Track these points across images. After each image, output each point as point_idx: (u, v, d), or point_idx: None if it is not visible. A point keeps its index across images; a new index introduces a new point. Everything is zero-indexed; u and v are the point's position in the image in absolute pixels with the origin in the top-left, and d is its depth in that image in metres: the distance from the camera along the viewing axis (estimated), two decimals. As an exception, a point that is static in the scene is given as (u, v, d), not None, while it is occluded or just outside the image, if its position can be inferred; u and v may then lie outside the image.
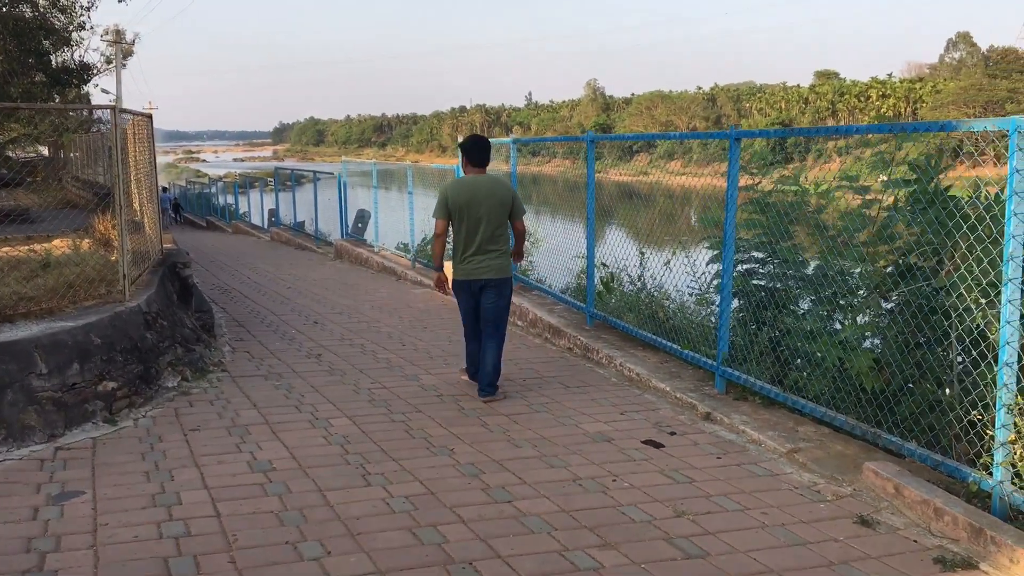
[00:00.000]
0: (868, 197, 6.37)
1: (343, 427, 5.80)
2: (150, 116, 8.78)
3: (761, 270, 7.15)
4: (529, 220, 11.58)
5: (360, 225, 20.08)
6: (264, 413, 6.10)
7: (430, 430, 5.76)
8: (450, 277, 6.83)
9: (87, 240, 9.41)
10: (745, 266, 7.08)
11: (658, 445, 5.47)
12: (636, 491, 4.67)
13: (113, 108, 6.44)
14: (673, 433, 5.74)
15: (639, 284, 8.31)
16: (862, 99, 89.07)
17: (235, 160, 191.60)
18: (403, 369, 7.69)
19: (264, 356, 8.20)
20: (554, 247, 10.52)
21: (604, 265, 8.68)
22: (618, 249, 8.62)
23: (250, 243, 25.94)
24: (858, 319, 5.67)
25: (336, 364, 7.87)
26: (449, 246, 7.17)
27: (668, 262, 7.47)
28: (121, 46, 50.26)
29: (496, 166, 13.71)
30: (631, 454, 5.30)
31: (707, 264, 7.85)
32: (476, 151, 6.71)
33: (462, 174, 6.91)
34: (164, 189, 51.60)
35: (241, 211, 37.21)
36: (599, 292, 8.74)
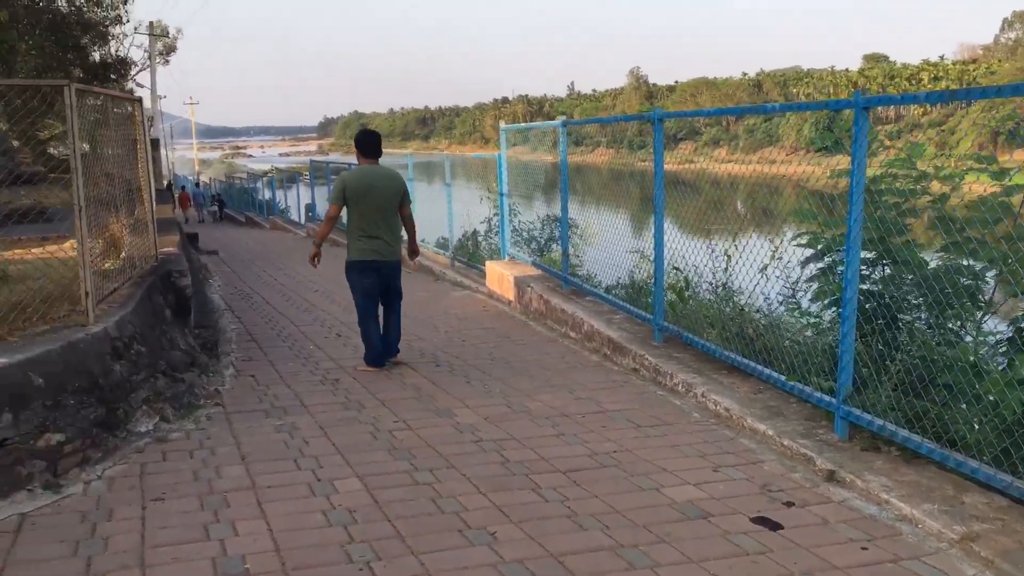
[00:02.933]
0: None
1: (351, 494, 4.42)
2: (139, 99, 7.50)
3: (865, 271, 5.71)
4: (577, 211, 10.18)
5: (398, 220, 18.81)
6: (253, 471, 4.75)
7: (465, 499, 4.36)
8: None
9: (99, 240, 8.18)
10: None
11: (775, 526, 4.01)
12: (759, 613, 3.22)
13: (67, 85, 5.13)
14: (790, 503, 4.27)
15: (721, 291, 6.82)
16: (913, 82, 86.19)
17: (280, 155, 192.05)
18: (434, 400, 6.31)
19: (271, 382, 6.88)
20: (608, 242, 9.04)
21: (676, 269, 7.20)
22: (690, 247, 7.15)
23: (286, 240, 24.82)
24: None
25: (354, 393, 6.52)
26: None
27: (764, 268, 5.97)
28: (163, 40, 49.82)
29: (539, 156, 12.31)
30: (740, 541, 3.84)
31: (803, 266, 6.40)
32: (368, 144, 7.23)
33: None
34: (197, 184, 50.93)
35: (282, 206, 36.16)
36: (670, 301, 7.27)
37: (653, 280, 7.33)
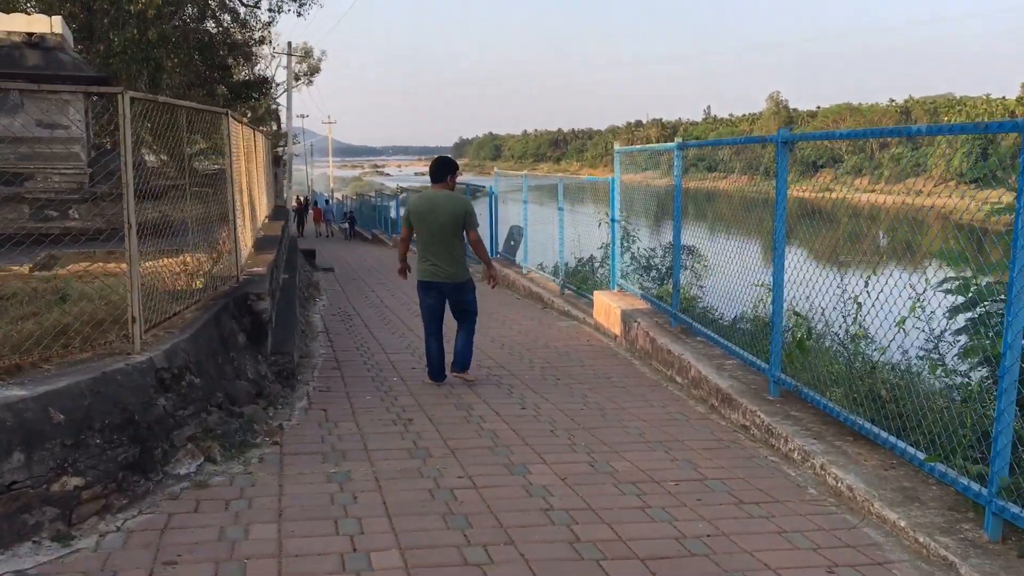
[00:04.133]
0: None
1: (386, 573, 3.78)
2: (226, 112, 7.18)
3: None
4: (701, 240, 9.28)
5: (512, 243, 18.29)
6: (285, 531, 4.18)
7: (516, 589, 3.66)
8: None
9: (210, 255, 7.88)
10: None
11: (902, 664, 3.12)
12: None
13: (121, 93, 4.74)
14: (924, 630, 3.37)
15: (850, 344, 5.86)
16: (1082, 112, 79.85)
17: (416, 174, 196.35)
18: (511, 451, 5.62)
19: (341, 418, 6.36)
20: (726, 277, 8.12)
21: (797, 314, 6.28)
22: (816, 287, 6.19)
23: (404, 259, 24.71)
24: None
25: (425, 437, 5.91)
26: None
27: (902, 321, 5.00)
28: (308, 62, 51.67)
29: (649, 179, 11.48)
30: None
31: (950, 317, 5.41)
32: (432, 170, 7.52)
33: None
34: (327, 201, 52.13)
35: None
36: (788, 350, 6.35)
37: (770, 325, 6.43)
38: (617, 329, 9.73)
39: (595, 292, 10.97)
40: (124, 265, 7.70)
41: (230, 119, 7.27)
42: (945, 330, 5.49)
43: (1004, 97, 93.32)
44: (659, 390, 7.51)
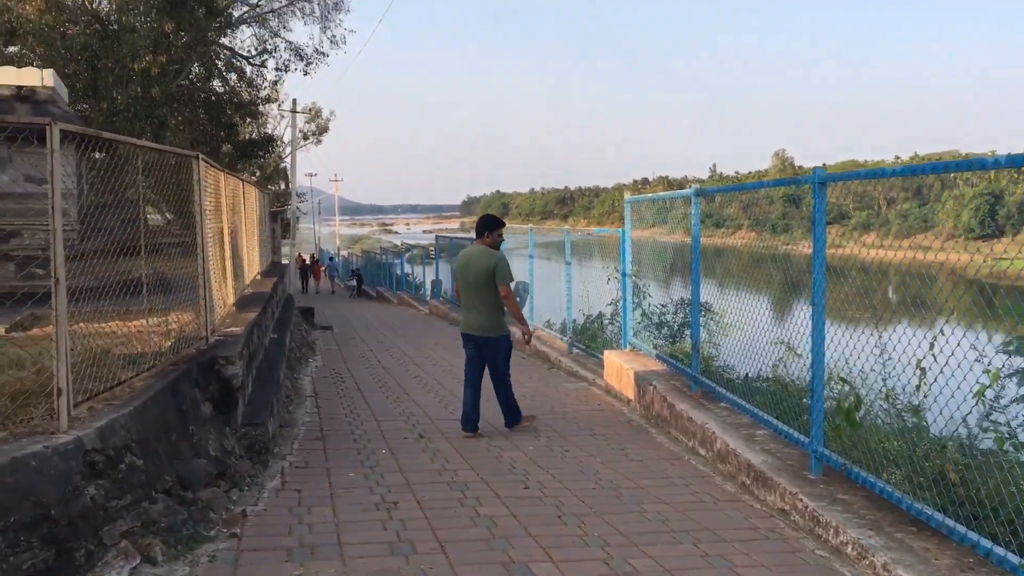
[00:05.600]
0: None
1: None
2: (196, 156, 6.48)
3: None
4: (713, 296, 8.44)
5: (518, 299, 17.54)
6: (222, 663, 3.33)
7: None
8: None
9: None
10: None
11: None
12: None
13: (50, 123, 4.02)
14: None
15: (909, 416, 5.00)
16: (1097, 166, 79.28)
17: (424, 232, 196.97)
18: (510, 544, 4.75)
19: (316, 501, 5.51)
20: (751, 337, 7.26)
21: (844, 380, 5.43)
22: (854, 346, 5.31)
23: (406, 316, 23.98)
24: None
25: (410, 526, 5.04)
26: None
27: (981, 391, 4.16)
28: (316, 121, 51.70)
29: (659, 233, 10.72)
30: None
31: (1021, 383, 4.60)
32: (476, 228, 7.85)
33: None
34: (331, 258, 51.65)
35: (416, 282, 35.58)
36: (833, 422, 5.48)
37: (810, 392, 5.59)
38: (630, 392, 8.89)
39: (606, 352, 10.15)
40: (97, 324, 6.97)
41: (201, 163, 6.55)
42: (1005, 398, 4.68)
43: (1009, 153, 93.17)
44: (680, 464, 6.65)
